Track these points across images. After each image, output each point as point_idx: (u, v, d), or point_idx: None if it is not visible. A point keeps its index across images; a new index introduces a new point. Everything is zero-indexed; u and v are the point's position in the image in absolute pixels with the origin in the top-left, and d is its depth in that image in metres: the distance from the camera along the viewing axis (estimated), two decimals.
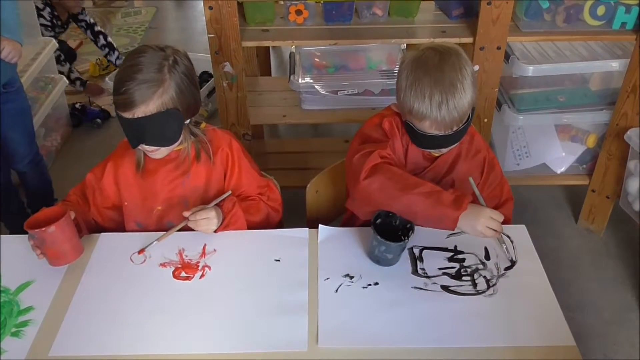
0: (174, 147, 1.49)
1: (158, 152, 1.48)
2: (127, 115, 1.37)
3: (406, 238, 1.37)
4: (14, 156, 2.39)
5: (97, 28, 3.83)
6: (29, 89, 2.86)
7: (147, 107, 1.36)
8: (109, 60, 3.92)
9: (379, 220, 1.41)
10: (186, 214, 1.45)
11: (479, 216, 1.36)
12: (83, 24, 3.78)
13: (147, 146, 1.44)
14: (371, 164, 1.40)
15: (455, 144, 1.49)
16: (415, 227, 1.39)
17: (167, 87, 1.38)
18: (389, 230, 1.38)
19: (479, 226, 1.36)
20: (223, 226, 1.49)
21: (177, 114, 1.41)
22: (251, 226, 1.54)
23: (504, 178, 1.63)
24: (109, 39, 3.87)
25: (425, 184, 1.37)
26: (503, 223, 1.41)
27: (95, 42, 3.85)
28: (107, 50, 3.86)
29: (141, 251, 1.44)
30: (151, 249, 1.46)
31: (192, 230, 1.47)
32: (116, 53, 3.88)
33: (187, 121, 1.48)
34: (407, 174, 1.42)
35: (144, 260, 1.44)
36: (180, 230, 1.48)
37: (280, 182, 1.73)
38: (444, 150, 1.50)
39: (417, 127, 1.41)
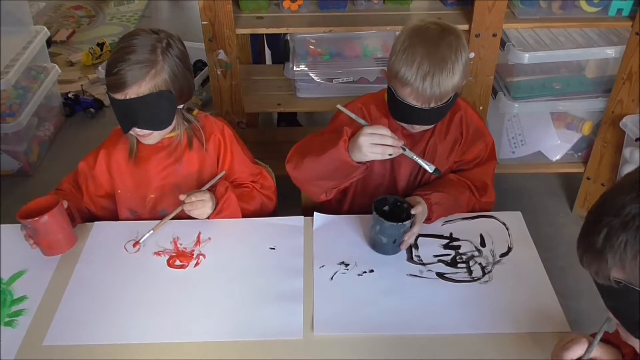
0: (167, 132, 1.48)
1: (150, 137, 1.46)
2: (119, 96, 1.36)
3: (400, 223, 1.34)
4: None
5: None
6: (20, 78, 2.85)
7: (139, 87, 1.35)
8: None
9: (386, 207, 1.41)
10: (182, 197, 1.44)
11: (357, 136, 1.34)
12: None
13: (139, 130, 1.43)
14: (292, 149, 1.49)
15: (430, 126, 1.48)
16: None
17: (159, 69, 1.37)
18: (394, 219, 1.36)
19: (363, 148, 1.32)
20: (216, 212, 1.48)
21: (169, 97, 1.40)
22: (245, 214, 1.53)
23: (491, 138, 1.60)
24: None
25: (328, 141, 1.39)
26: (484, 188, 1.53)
27: None
28: None
29: (136, 244, 1.43)
30: (145, 237, 1.45)
31: (186, 217, 1.47)
32: None
33: (180, 106, 1.47)
34: (315, 138, 1.49)
35: (138, 249, 1.43)
36: (174, 216, 1.47)
37: (275, 170, 1.72)
38: (417, 127, 1.48)
39: (398, 93, 1.40)
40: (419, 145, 1.54)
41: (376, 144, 1.32)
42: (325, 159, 1.39)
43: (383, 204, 1.41)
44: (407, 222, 1.35)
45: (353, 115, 1.41)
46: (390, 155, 1.34)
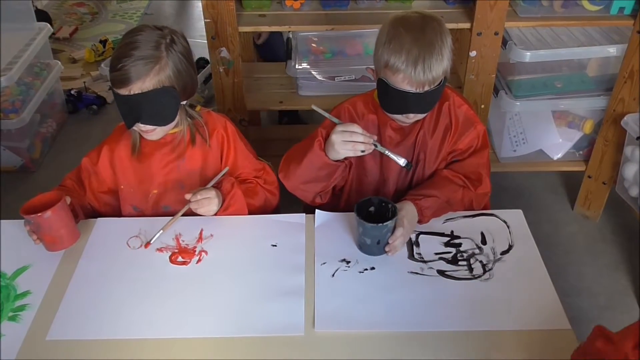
0: (170, 128, 1.49)
1: (154, 133, 1.47)
2: (124, 92, 1.37)
3: (381, 224, 1.33)
4: None
5: None
6: (23, 75, 2.85)
7: (143, 83, 1.36)
8: None
9: (371, 208, 1.41)
10: (187, 196, 1.45)
11: (331, 135, 1.40)
12: None
13: (142, 126, 1.43)
14: (282, 160, 1.54)
15: (423, 115, 1.48)
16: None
17: (163, 65, 1.38)
18: (381, 220, 1.35)
19: (335, 145, 1.38)
20: (223, 208, 1.49)
21: (173, 93, 1.41)
22: (250, 209, 1.53)
23: (482, 126, 1.59)
24: None
25: (308, 146, 1.45)
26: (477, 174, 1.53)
27: None
28: None
29: (147, 244, 1.42)
30: (148, 233, 1.45)
31: (191, 214, 1.47)
32: None
33: (184, 102, 1.47)
34: (298, 146, 1.52)
35: (141, 245, 1.43)
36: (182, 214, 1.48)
37: (277, 167, 1.73)
38: (411, 116, 1.47)
39: (391, 81, 1.40)
40: (409, 138, 1.55)
41: (347, 141, 1.37)
42: (306, 162, 1.46)
43: (368, 204, 1.41)
44: (388, 223, 1.33)
45: (327, 114, 1.45)
46: (362, 151, 1.38)
